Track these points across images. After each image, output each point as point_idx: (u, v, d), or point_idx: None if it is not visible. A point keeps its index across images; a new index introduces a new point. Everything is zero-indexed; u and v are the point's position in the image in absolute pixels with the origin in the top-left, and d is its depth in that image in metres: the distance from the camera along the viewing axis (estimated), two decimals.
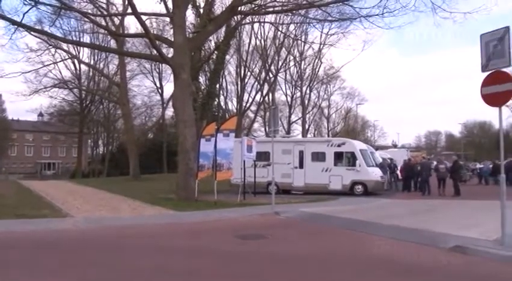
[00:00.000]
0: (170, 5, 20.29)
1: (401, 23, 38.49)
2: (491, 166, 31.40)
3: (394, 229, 10.81)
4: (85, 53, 51.95)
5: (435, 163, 28.59)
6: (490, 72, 8.35)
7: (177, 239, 10.04)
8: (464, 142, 79.92)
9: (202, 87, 38.14)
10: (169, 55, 22.70)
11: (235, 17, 27.77)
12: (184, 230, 11.43)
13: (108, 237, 10.25)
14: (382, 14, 18.81)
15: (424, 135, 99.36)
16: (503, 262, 7.50)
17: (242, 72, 45.92)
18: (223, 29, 32.65)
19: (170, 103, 43.03)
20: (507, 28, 8.10)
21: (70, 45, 42.78)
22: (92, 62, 50.62)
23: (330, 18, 23.70)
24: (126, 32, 39.62)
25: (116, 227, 11.66)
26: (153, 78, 52.41)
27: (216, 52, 36.20)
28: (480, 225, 10.81)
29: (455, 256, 8.04)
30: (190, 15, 30.96)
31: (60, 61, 45.82)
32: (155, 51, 20.51)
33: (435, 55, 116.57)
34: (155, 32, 34.53)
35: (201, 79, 38.54)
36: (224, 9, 24.42)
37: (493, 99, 8.38)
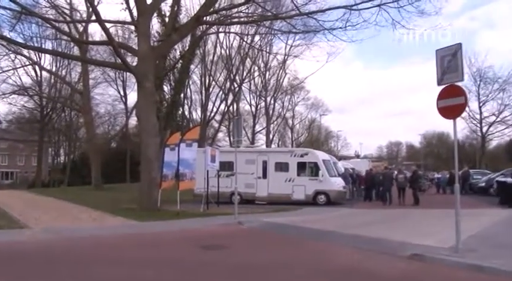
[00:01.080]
0: (135, 13, 20.17)
1: (363, 37, 40.12)
2: (448, 175, 32.34)
3: (355, 238, 11.00)
4: (47, 60, 50.93)
5: (396, 172, 29.27)
6: (445, 86, 8.67)
7: (138, 250, 9.92)
8: (423, 152, 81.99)
9: (167, 97, 37.87)
10: (134, 63, 22.52)
11: (201, 27, 27.83)
12: (146, 240, 11.31)
13: (68, 249, 10.02)
14: (345, 27, 19.27)
15: (385, 146, 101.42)
16: (457, 268, 7.74)
17: (207, 81, 45.87)
18: (189, 38, 32.59)
19: (134, 112, 42.60)
20: (459, 44, 8.45)
21: (31, 51, 41.76)
22: (53, 69, 49.51)
23: (294, 30, 24.07)
24: (90, 39, 39.04)
25: (75, 238, 11.43)
26: (117, 87, 51.78)
27: (180, 61, 36.09)
28: (437, 233, 11.11)
29: (413, 264, 8.25)
30: (155, 24, 30.85)
31: (20, 67, 44.61)
32: (119, 60, 20.32)
33: (398, 68, 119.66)
34: (120, 40, 34.24)
35: (166, 88, 38.24)
36: (190, 18, 24.47)
37: (447, 112, 8.70)
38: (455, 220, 8.70)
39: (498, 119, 52.08)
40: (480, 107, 52.22)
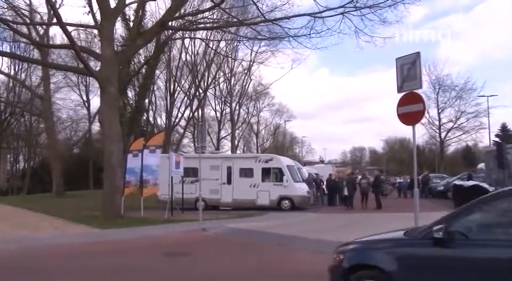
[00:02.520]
0: (98, 16, 19.89)
1: (327, 44, 40.45)
2: (409, 180, 33.13)
3: (318, 242, 11.11)
4: (4, 62, 49.30)
5: (359, 177, 29.80)
6: (405, 93, 8.92)
7: (99, 258, 9.75)
8: (386, 157, 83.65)
9: (131, 102, 37.43)
10: (97, 68, 22.17)
11: (166, 32, 27.67)
12: (109, 248, 11.13)
13: (25, 258, 9.76)
14: (310, 35, 19.55)
15: (349, 151, 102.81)
16: None
17: (172, 87, 45.55)
18: (154, 43, 32.34)
19: (97, 117, 41.82)
20: (418, 53, 8.72)
21: None
22: (12, 73, 48.07)
23: (259, 36, 24.26)
24: (51, 42, 38.17)
25: (35, 247, 11.14)
26: (80, 92, 50.66)
27: (145, 66, 35.74)
28: None
29: None
30: (119, 28, 30.47)
31: None
32: (82, 64, 19.98)
33: (362, 75, 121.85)
34: (82, 44, 33.65)
35: (130, 94, 37.80)
36: (154, 23, 24.29)
37: (407, 118, 8.94)
38: (414, 223, 8.95)
39: (455, 125, 53.80)
40: (439, 114, 53.82)
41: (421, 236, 4.72)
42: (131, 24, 27.28)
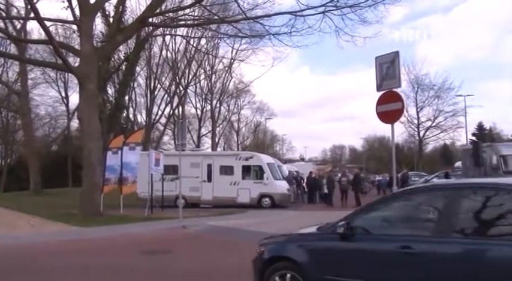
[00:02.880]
0: (77, 11, 19.60)
1: (308, 43, 40.52)
2: (388, 178, 33.47)
3: None
4: None
5: (339, 175, 30.02)
6: (384, 92, 9.01)
7: (76, 256, 9.64)
8: (366, 156, 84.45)
9: (110, 99, 37.05)
10: (76, 64, 21.87)
11: (146, 29, 27.44)
12: (87, 246, 11.00)
13: (2, 257, 9.59)
14: (290, 33, 19.58)
15: (329, 149, 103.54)
16: None
17: (152, 84, 45.26)
18: (134, 39, 32.04)
19: (76, 114, 41.30)
20: (397, 52, 8.81)
21: None
22: None
23: (240, 34, 24.21)
24: (28, 37, 37.49)
25: (11, 246, 10.94)
26: (58, 88, 49.85)
27: (125, 63, 35.40)
28: None
29: None
30: (99, 24, 30.11)
31: None
32: (60, 60, 19.70)
33: (343, 74, 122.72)
34: (60, 39, 33.13)
35: (109, 90, 37.42)
36: (135, 19, 24.07)
37: (386, 117, 9.03)
38: None
39: (434, 124, 54.61)
40: (418, 113, 54.53)
41: (329, 231, 5.21)
42: (111, 20, 26.99)
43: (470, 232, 4.47)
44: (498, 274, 3.91)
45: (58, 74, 46.83)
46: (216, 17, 23.47)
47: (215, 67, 50.33)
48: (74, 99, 48.49)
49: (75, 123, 48.72)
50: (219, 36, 31.36)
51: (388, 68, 8.88)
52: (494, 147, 20.82)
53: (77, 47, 21.61)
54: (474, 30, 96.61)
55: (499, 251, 3.99)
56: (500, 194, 4.49)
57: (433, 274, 4.29)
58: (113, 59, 34.21)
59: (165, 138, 54.48)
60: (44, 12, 17.44)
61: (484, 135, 55.43)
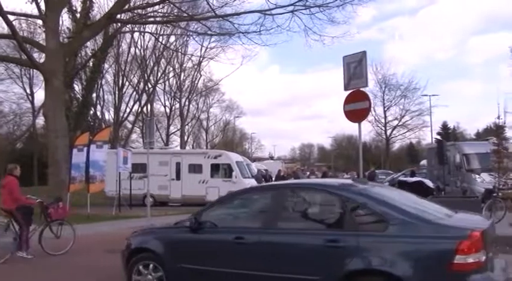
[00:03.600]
0: (43, 6, 19.13)
1: (277, 41, 40.55)
2: (356, 176, 33.90)
3: None
4: None
5: (308, 173, 30.28)
6: (351, 91, 9.14)
7: (42, 256, 9.43)
8: (334, 154, 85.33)
9: (77, 96, 36.39)
10: (41, 60, 21.38)
11: (114, 25, 27.04)
12: None
13: None
14: (259, 31, 19.65)
15: (298, 148, 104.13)
16: None
17: (120, 81, 44.62)
18: (102, 36, 31.52)
19: (41, 111, 40.39)
20: (364, 52, 8.95)
21: None
22: None
23: (209, 32, 24.12)
24: None
25: None
26: (23, 84, 48.55)
27: (92, 60, 34.81)
28: None
29: None
30: (65, 19, 29.46)
31: None
32: (25, 55, 19.23)
33: (312, 73, 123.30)
34: (24, 34, 32.28)
35: (76, 87, 36.74)
36: (102, 15, 23.67)
37: (353, 116, 9.17)
38: None
39: (400, 123, 55.78)
40: (385, 112, 55.57)
41: (182, 225, 5.91)
42: (78, 15, 26.51)
43: (290, 224, 5.36)
44: (312, 257, 4.85)
45: (22, 70, 45.62)
46: (185, 15, 23.30)
47: (184, 65, 49.96)
48: (40, 95, 47.27)
49: (40, 121, 47.53)
50: (188, 33, 31.10)
51: (355, 68, 9.02)
52: (458, 146, 21.41)
53: (42, 42, 21.13)
54: (439, 32, 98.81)
55: (312, 239, 4.95)
56: (312, 193, 5.61)
57: (262, 260, 5.10)
58: (80, 55, 33.63)
59: (134, 136, 53.85)
60: (7, 6, 16.96)
61: (449, 135, 56.86)
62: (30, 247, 9.13)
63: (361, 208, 4.90)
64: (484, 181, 16.80)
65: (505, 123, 11.77)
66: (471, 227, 4.50)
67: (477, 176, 18.61)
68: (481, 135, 44.97)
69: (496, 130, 11.46)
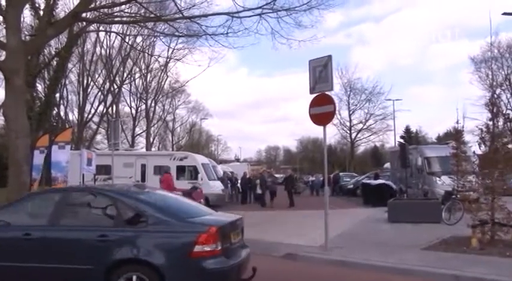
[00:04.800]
0: (3, 2, 18.55)
1: (244, 44, 40.59)
2: (321, 178, 34.32)
3: None
4: None
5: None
6: (317, 94, 9.27)
7: None
8: (299, 157, 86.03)
9: (40, 96, 35.49)
10: (1, 58, 20.77)
11: (79, 24, 26.51)
12: None
13: None
14: (227, 33, 19.56)
15: (264, 150, 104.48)
16: (325, 264, 8.34)
17: (85, 81, 43.78)
18: (66, 34, 30.86)
19: (1, 111, 39.23)
20: (330, 56, 9.11)
21: None
22: None
23: (177, 33, 23.86)
24: None
25: None
26: None
27: (56, 59, 34.03)
28: (309, 233, 11.78)
29: (286, 263, 8.71)
30: (27, 16, 28.72)
31: None
32: None
33: (280, 76, 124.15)
34: None
35: (39, 87, 35.83)
36: (67, 13, 23.18)
37: (318, 119, 9.31)
38: (324, 220, 9.37)
39: (365, 127, 56.90)
40: (350, 115, 56.55)
41: None
42: (41, 13, 25.90)
43: (70, 222, 6.10)
44: (87, 249, 5.69)
45: None
46: (152, 15, 23.04)
47: (151, 66, 49.42)
48: (0, 95, 46.01)
49: (0, 121, 46.26)
50: (155, 34, 30.73)
51: (321, 72, 9.17)
52: (419, 149, 21.96)
53: (2, 39, 20.52)
54: (403, 39, 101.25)
55: (87, 235, 5.73)
56: (89, 195, 6.46)
57: (46, 253, 5.77)
58: (43, 54, 32.82)
59: (98, 137, 52.90)
60: None
61: (411, 138, 58.21)
62: None
63: (127, 208, 5.86)
64: (444, 183, 17.29)
65: (463, 127, 12.13)
66: (211, 224, 5.69)
67: (438, 178, 19.12)
68: (442, 139, 46.30)
69: (455, 134, 11.77)
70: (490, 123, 9.58)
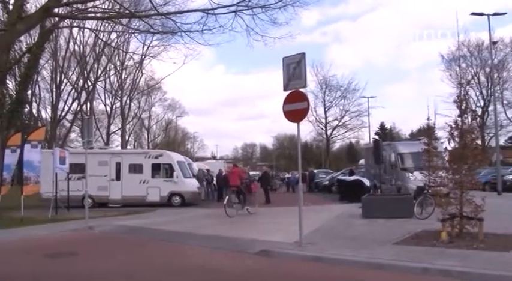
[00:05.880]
0: None
1: (220, 41, 40.18)
2: (297, 175, 34.53)
3: (207, 237, 11.29)
4: None
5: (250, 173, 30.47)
6: (290, 91, 9.33)
7: None
8: (276, 154, 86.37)
9: (11, 93, 34.73)
10: None
11: (52, 19, 26.05)
12: None
13: None
14: (202, 30, 19.54)
15: (241, 147, 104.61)
16: (299, 260, 8.42)
17: (58, 78, 43.07)
18: (38, 30, 30.27)
19: None
20: (303, 54, 9.17)
21: None
22: None
23: (152, 30, 23.70)
24: None
25: None
26: None
27: (27, 55, 33.33)
28: (284, 229, 11.86)
29: (260, 259, 8.75)
30: None
31: None
32: None
33: (257, 73, 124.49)
34: None
35: (10, 84, 35.06)
36: (38, 8, 22.73)
37: (292, 116, 9.37)
38: (299, 216, 9.45)
39: (340, 124, 57.44)
40: (325, 112, 57.08)
41: None
42: (11, 7, 25.31)
43: None
44: None
45: None
46: (127, 12, 22.81)
47: (126, 63, 48.91)
48: None
49: None
50: (130, 31, 30.46)
51: (294, 69, 9.23)
52: (393, 145, 22.29)
53: None
54: (379, 37, 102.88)
55: None
56: None
57: None
58: (13, 49, 32.09)
59: (72, 135, 52.25)
60: None
61: (386, 135, 59.04)
62: None
63: None
64: (416, 178, 17.59)
65: (434, 124, 12.38)
66: None
67: (410, 174, 19.45)
68: (415, 136, 47.00)
69: (427, 131, 12.02)
70: (459, 119, 9.77)
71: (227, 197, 17.02)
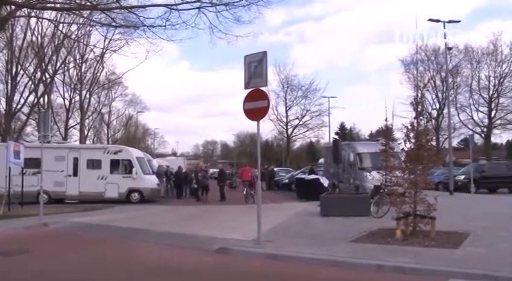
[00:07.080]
0: None
1: (182, 37, 39.89)
2: (257, 173, 34.69)
3: (165, 235, 11.22)
4: None
5: (210, 170, 30.45)
6: (251, 89, 9.38)
7: None
8: (237, 151, 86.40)
9: None
10: None
11: (7, 7, 25.19)
12: None
13: None
14: (165, 26, 19.32)
15: (202, 144, 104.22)
16: (256, 258, 8.49)
17: (14, 69, 41.63)
18: None
19: None
20: (265, 52, 9.24)
21: None
22: None
23: (114, 23, 23.25)
24: None
25: None
26: None
27: None
28: (243, 227, 11.92)
29: (218, 257, 8.77)
30: None
31: None
32: None
33: (221, 71, 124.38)
34: None
35: None
36: None
37: (252, 114, 9.43)
38: (257, 214, 9.51)
39: (301, 123, 57.96)
40: (286, 111, 57.46)
41: None
42: None
43: None
44: None
45: None
46: (88, 3, 22.30)
47: (86, 56, 47.69)
48: None
49: None
50: (91, 24, 29.76)
51: (256, 67, 9.28)
52: (352, 145, 22.68)
53: None
54: (341, 39, 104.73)
55: None
56: None
57: None
58: None
59: (29, 129, 50.54)
60: None
61: (346, 135, 60.06)
62: None
63: None
64: (373, 178, 17.97)
65: (392, 125, 12.66)
66: None
67: (368, 173, 19.85)
68: (374, 136, 48.07)
69: (384, 131, 12.30)
70: (415, 121, 10.05)
71: (245, 189, 22.01)
